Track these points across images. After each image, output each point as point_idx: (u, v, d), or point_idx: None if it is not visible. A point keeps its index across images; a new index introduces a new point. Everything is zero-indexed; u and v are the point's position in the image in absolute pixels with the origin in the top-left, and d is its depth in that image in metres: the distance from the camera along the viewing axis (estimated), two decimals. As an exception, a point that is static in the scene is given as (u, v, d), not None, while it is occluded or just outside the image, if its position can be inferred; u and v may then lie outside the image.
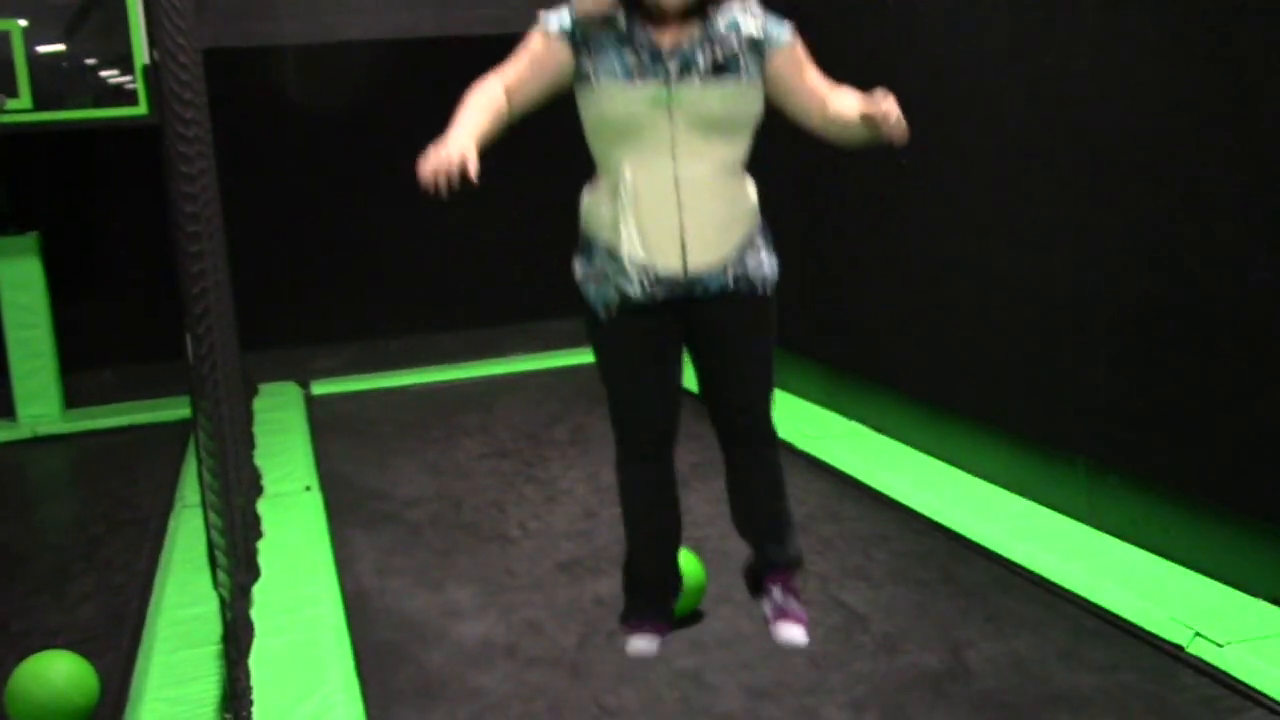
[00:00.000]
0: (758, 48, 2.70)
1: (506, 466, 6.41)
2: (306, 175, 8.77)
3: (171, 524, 5.67)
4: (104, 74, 7.81)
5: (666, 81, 2.58)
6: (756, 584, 3.31)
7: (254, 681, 3.87)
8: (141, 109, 7.32)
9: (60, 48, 7.73)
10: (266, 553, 5.09)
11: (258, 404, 7.89)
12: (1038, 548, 4.65)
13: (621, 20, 2.67)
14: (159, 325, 7.10)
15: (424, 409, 7.87)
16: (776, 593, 3.18)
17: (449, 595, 4.73)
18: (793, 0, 6.88)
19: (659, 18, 2.64)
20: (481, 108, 2.74)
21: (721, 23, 2.70)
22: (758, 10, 2.76)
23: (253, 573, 4.81)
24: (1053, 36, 4.76)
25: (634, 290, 2.66)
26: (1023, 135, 5.01)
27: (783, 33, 2.77)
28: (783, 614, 3.19)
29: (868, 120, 2.69)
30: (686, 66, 2.60)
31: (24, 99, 7.25)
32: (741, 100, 2.66)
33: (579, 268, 2.80)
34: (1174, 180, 4.25)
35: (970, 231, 5.44)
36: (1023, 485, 5.23)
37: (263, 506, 5.70)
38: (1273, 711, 3.48)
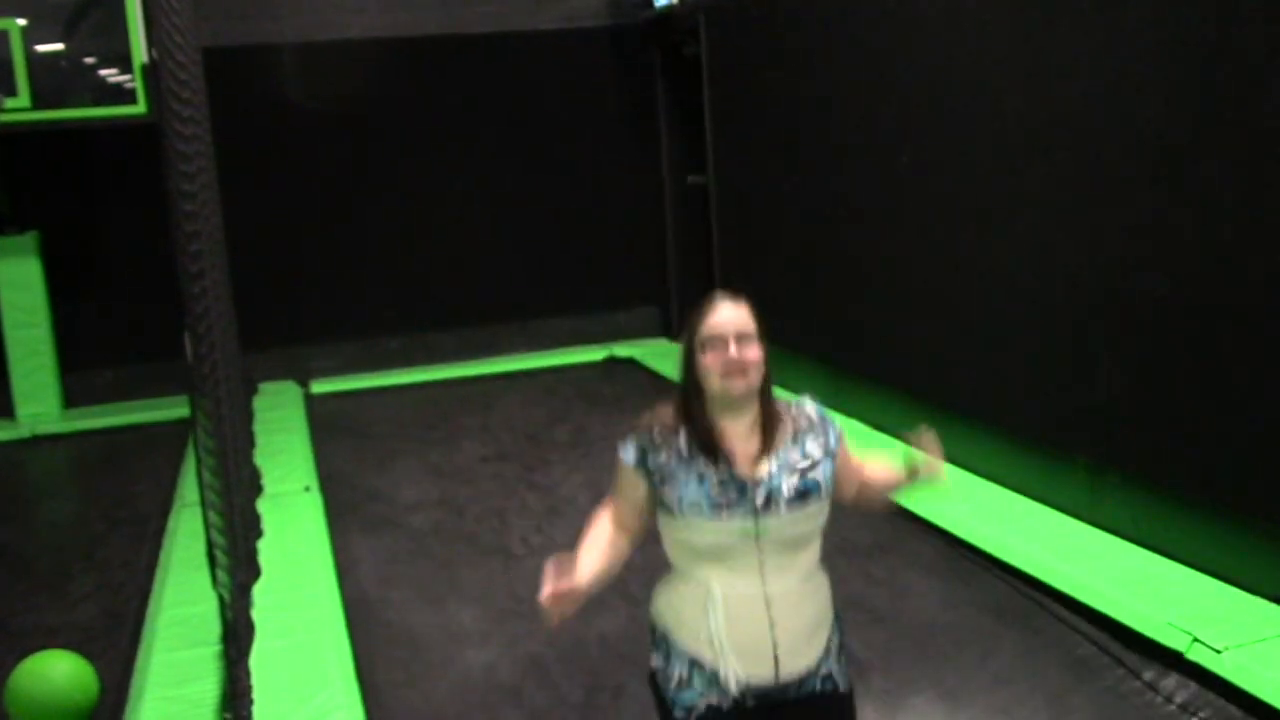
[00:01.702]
0: (828, 456, 2.66)
1: (508, 471, 6.36)
2: (306, 174, 8.76)
3: (171, 523, 5.66)
4: (103, 73, 7.80)
5: (754, 514, 2.57)
6: None
7: (254, 681, 3.86)
8: (140, 108, 7.32)
9: (59, 47, 7.72)
10: (266, 553, 5.08)
11: (257, 403, 7.89)
12: (1038, 547, 4.64)
13: (689, 447, 2.62)
14: (158, 324, 7.10)
15: (424, 408, 7.87)
16: None
17: (451, 615, 4.61)
18: (796, 2, 6.91)
19: (731, 445, 2.61)
20: (595, 545, 2.69)
21: (794, 441, 2.66)
22: (815, 414, 2.71)
23: (253, 572, 4.80)
24: (1053, 37, 4.76)
25: (727, 704, 2.61)
26: (1023, 136, 5.01)
27: (836, 433, 2.72)
28: None
29: (912, 476, 2.73)
30: (771, 498, 2.58)
31: (23, 98, 7.24)
32: (822, 514, 2.64)
33: (657, 663, 2.73)
34: (1174, 180, 4.24)
35: (970, 232, 5.44)
36: (1023, 484, 5.22)
37: (262, 506, 5.69)
38: (1269, 718, 3.48)
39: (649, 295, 9.45)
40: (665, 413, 2.67)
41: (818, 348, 6.95)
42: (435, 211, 9.07)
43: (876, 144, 6.13)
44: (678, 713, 2.66)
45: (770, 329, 2.62)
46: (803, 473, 2.60)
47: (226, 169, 6.96)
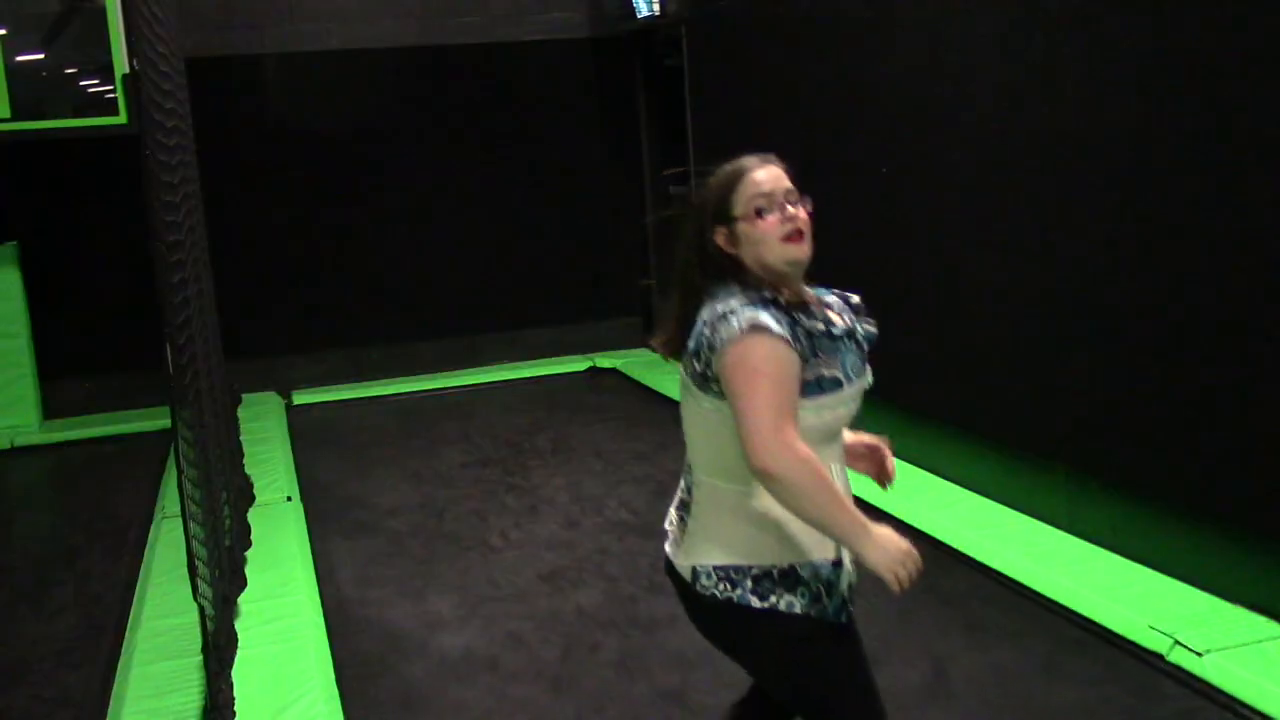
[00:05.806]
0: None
1: (488, 475, 6.40)
2: (288, 184, 8.75)
3: (151, 534, 5.64)
4: (84, 83, 7.77)
5: (864, 367, 2.20)
6: None
7: (235, 693, 3.85)
8: (121, 118, 7.30)
9: (39, 57, 7.70)
10: (248, 563, 5.06)
11: (239, 413, 7.86)
12: (1018, 554, 4.67)
13: (817, 316, 2.22)
14: (139, 335, 7.07)
15: (405, 418, 7.86)
16: None
17: (430, 605, 4.71)
18: (778, 13, 6.94)
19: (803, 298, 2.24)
20: (834, 486, 2.13)
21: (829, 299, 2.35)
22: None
23: (239, 583, 4.78)
24: (1038, 46, 4.79)
25: (830, 612, 2.21)
26: (1004, 145, 5.04)
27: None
28: None
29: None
30: (862, 344, 2.25)
31: (2, 108, 7.21)
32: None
33: (781, 601, 2.18)
34: (1156, 191, 4.28)
35: (951, 242, 5.47)
36: (1003, 493, 5.24)
37: (248, 517, 5.67)
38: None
39: (631, 305, 9.47)
40: (742, 294, 2.15)
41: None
42: (417, 222, 9.07)
43: (857, 154, 6.16)
44: (831, 619, 2.19)
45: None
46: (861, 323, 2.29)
47: (209, 179, 6.94)
